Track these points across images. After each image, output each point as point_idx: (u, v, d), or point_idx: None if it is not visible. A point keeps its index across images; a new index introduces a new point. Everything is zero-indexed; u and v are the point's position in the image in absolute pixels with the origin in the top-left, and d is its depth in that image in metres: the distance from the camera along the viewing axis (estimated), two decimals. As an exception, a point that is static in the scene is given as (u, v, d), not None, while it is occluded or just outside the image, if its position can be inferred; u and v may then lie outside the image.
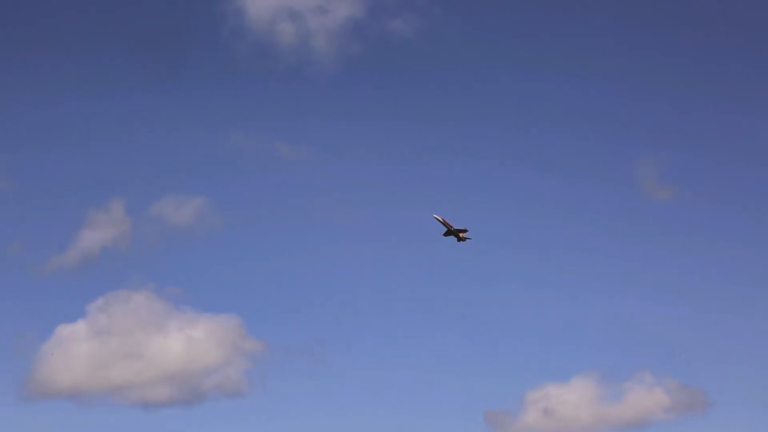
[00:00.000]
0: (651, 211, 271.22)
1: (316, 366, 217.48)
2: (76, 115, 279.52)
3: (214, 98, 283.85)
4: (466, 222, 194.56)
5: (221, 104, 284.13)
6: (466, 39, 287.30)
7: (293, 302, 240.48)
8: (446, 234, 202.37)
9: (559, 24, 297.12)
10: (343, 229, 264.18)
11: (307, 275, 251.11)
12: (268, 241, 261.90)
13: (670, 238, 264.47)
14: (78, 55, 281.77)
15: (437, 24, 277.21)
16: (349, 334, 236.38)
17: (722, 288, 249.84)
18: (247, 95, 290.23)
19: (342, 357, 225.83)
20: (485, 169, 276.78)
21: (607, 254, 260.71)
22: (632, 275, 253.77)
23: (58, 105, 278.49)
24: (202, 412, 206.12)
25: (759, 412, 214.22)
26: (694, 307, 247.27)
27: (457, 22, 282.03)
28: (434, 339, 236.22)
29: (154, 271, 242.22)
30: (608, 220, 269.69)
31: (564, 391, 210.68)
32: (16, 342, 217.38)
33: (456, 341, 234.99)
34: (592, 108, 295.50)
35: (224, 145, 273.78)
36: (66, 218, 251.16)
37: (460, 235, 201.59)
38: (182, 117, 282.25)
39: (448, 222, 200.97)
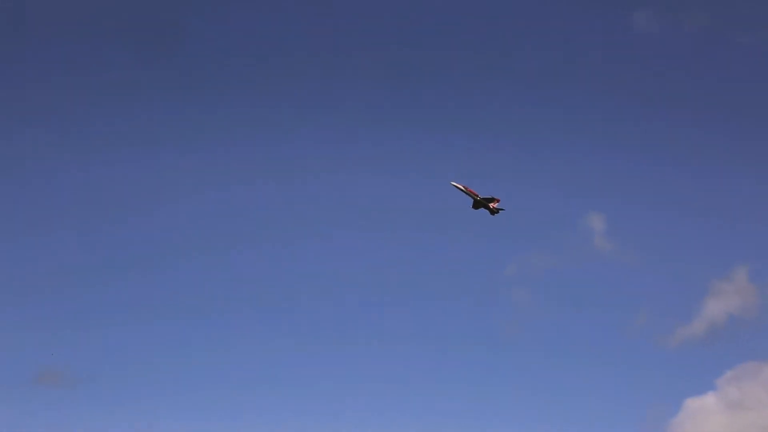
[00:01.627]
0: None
1: None
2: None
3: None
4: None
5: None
6: None
7: None
8: (475, 206, 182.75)
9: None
10: None
11: None
12: None
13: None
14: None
15: None
16: None
17: None
18: None
19: None
20: None
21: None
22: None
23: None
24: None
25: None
26: None
27: None
28: None
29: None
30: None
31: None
32: (648, 414, 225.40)
33: None
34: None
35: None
36: (690, 288, 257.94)
37: (491, 206, 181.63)
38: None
39: (471, 190, 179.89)
